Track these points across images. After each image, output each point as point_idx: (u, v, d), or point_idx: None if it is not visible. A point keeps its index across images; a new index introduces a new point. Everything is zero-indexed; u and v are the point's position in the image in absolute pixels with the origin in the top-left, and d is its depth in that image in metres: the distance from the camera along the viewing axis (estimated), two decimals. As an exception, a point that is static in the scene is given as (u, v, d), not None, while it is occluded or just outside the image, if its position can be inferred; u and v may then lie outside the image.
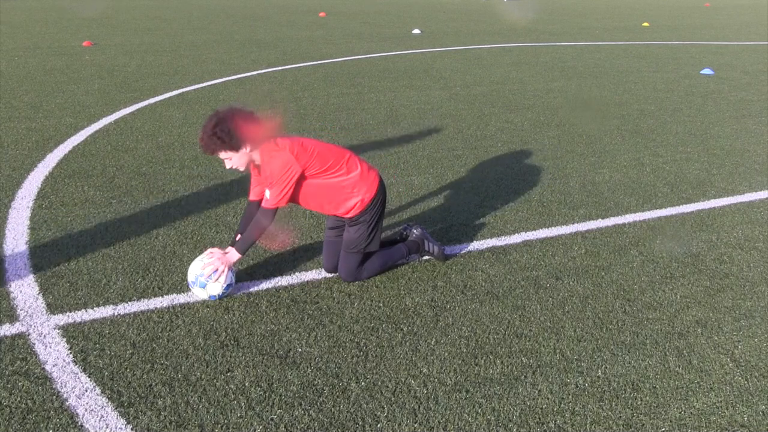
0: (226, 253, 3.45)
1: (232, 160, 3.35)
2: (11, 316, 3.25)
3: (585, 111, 8.02)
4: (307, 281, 3.69)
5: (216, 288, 3.38)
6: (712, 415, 2.71)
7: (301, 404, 2.70)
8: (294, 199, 3.49)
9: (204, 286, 3.38)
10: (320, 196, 3.50)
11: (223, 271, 3.37)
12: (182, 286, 3.59)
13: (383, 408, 2.69)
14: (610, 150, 6.36)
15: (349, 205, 3.54)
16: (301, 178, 3.40)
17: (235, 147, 3.29)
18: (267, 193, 3.36)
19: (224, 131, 3.23)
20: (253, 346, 3.08)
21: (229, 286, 3.43)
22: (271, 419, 2.61)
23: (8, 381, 2.78)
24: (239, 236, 3.58)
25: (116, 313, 3.31)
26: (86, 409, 2.63)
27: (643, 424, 2.65)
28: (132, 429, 2.54)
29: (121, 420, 2.58)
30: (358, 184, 3.52)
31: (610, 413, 2.70)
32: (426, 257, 3.99)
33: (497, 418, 2.65)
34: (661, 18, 21.94)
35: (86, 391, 2.74)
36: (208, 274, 3.35)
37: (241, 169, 3.41)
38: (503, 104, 8.28)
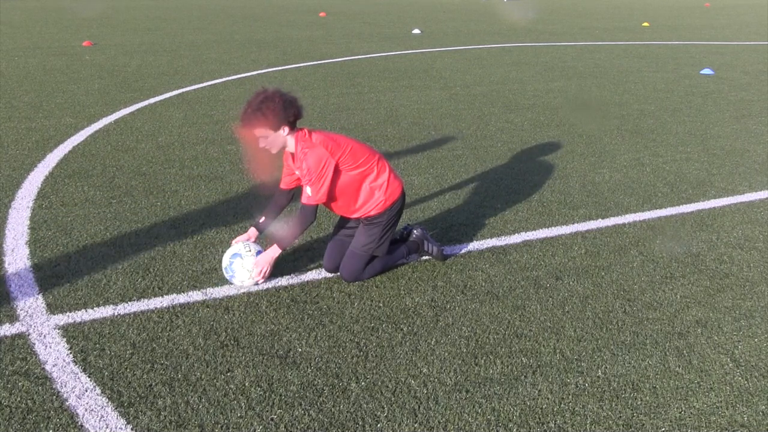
0: (249, 239, 3.68)
1: (268, 140, 3.40)
2: (11, 316, 3.25)
3: (585, 111, 8.03)
4: (307, 281, 3.69)
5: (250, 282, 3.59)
6: (712, 415, 2.71)
7: (301, 404, 2.70)
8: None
9: (236, 280, 3.57)
10: (349, 194, 3.56)
11: (268, 271, 3.55)
12: (182, 286, 3.59)
13: (383, 408, 2.69)
14: (610, 150, 6.36)
15: (372, 205, 3.60)
16: (336, 172, 3.45)
17: (274, 126, 3.34)
18: (308, 190, 3.43)
19: (269, 108, 3.30)
20: (253, 346, 3.08)
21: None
22: (271, 419, 2.61)
23: (8, 381, 2.78)
24: (263, 219, 3.73)
25: (116, 313, 3.31)
26: (86, 409, 2.63)
27: (643, 424, 2.65)
28: (132, 429, 2.54)
29: (121, 420, 2.58)
30: (384, 186, 3.61)
31: (610, 413, 2.70)
32: (426, 257, 3.99)
33: (497, 418, 2.65)
34: (661, 18, 21.94)
35: (86, 391, 2.74)
36: (255, 278, 3.54)
37: (274, 151, 3.47)
38: (503, 104, 8.28)
